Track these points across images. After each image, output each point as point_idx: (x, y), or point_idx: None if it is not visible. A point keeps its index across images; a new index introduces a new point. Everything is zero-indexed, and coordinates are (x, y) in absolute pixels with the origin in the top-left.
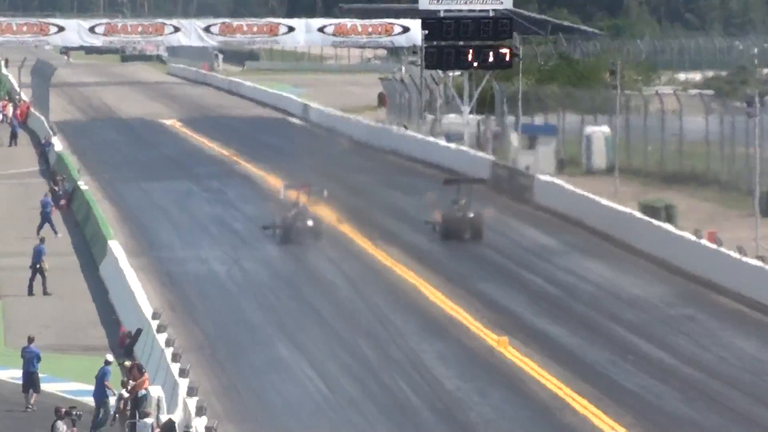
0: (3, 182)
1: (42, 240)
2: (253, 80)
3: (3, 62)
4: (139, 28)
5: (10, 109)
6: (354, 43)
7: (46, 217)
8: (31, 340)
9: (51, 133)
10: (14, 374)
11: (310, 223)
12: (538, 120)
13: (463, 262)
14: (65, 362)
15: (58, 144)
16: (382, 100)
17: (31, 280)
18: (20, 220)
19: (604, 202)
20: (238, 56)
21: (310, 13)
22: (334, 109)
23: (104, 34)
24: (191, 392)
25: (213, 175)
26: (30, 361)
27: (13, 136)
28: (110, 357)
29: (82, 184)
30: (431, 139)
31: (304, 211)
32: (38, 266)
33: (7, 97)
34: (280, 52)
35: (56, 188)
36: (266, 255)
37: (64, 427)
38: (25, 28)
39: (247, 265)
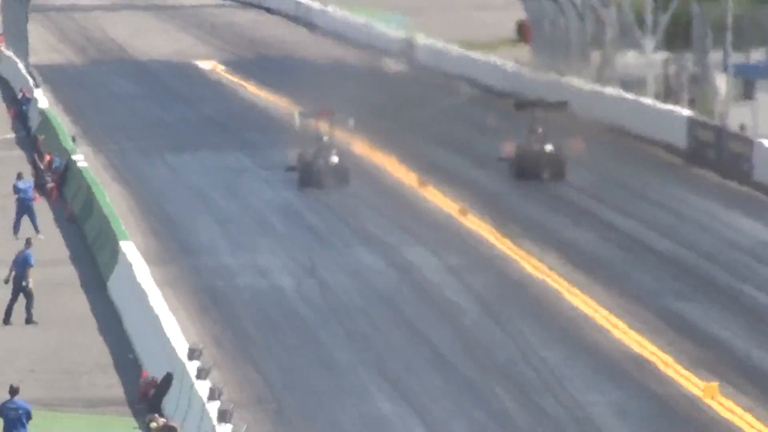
0: None
1: (27, 243)
2: (330, 2)
3: None
4: None
5: None
6: None
7: (25, 209)
8: (14, 391)
9: (31, 83)
10: None
11: (334, 159)
12: (757, 56)
13: (647, 269)
14: (61, 423)
15: (42, 99)
16: (523, 31)
17: (11, 302)
18: None
19: None
20: None
21: None
22: (451, 44)
23: None
24: None
25: (275, 143)
26: (15, 422)
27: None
28: (155, 421)
29: (80, 159)
30: (598, 87)
31: (328, 146)
32: (24, 283)
33: None
34: None
35: (40, 165)
36: (356, 261)
37: None
38: None
39: (327, 277)
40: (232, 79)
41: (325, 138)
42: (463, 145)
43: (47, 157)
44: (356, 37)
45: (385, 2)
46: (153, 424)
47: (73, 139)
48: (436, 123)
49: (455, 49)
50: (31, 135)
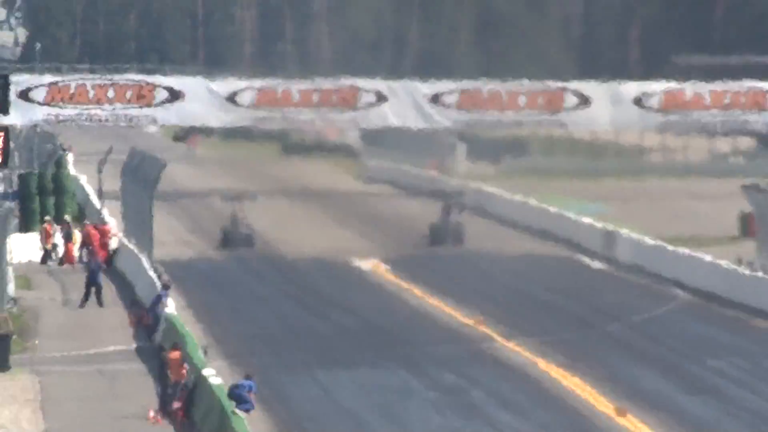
0: (72, 370)
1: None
2: (516, 190)
3: (68, 155)
4: (314, 96)
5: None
6: (698, 126)
7: None
8: None
9: (157, 281)
10: None
11: (245, 230)
12: None
13: None
14: None
15: (168, 302)
16: (747, 224)
17: None
18: None
19: None
20: (490, 147)
21: (614, 72)
22: (659, 240)
23: (253, 105)
24: None
25: (446, 360)
26: None
27: (95, 289)
28: None
29: (212, 375)
30: None
31: (241, 220)
32: None
33: (67, 220)
34: (566, 140)
35: (169, 381)
36: None
37: None
38: (110, 93)
39: None
40: (397, 281)
41: (240, 215)
42: (671, 365)
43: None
44: (547, 229)
45: (579, 189)
46: None
47: (205, 352)
48: (640, 337)
49: (665, 246)
50: (154, 344)
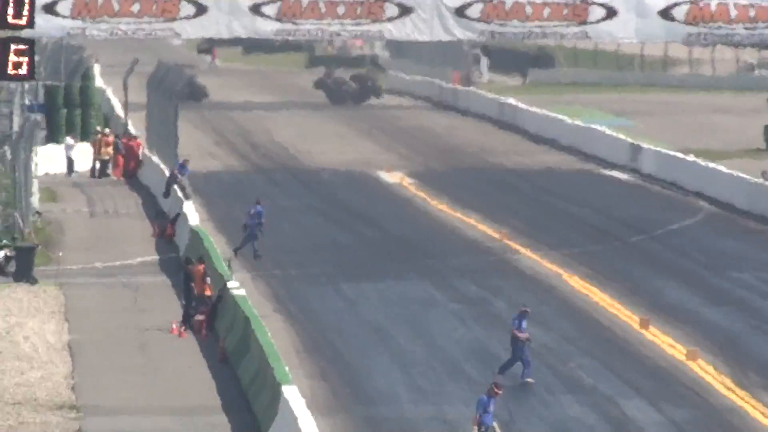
0: (96, 282)
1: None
2: (541, 103)
3: (95, 66)
4: (339, 8)
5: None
6: (724, 38)
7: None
8: None
9: (181, 193)
10: None
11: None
12: None
13: None
14: None
15: (192, 214)
16: None
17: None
18: (122, 354)
19: None
20: (515, 60)
21: None
22: (684, 153)
23: (276, 18)
24: None
25: (470, 271)
26: None
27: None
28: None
29: (236, 287)
30: None
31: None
32: None
33: (100, 130)
34: (591, 52)
35: (193, 294)
36: (561, 414)
37: None
38: (135, 7)
39: None
40: (421, 194)
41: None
42: (694, 277)
43: (203, 273)
44: (572, 143)
45: (606, 102)
46: None
47: (229, 264)
48: (663, 248)
49: (689, 159)
50: (181, 258)
